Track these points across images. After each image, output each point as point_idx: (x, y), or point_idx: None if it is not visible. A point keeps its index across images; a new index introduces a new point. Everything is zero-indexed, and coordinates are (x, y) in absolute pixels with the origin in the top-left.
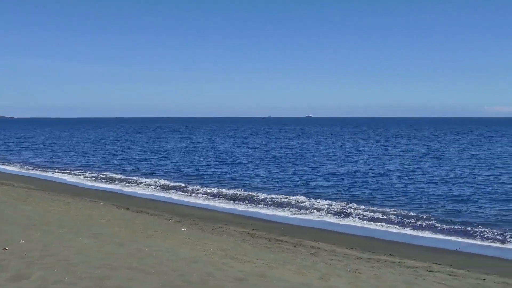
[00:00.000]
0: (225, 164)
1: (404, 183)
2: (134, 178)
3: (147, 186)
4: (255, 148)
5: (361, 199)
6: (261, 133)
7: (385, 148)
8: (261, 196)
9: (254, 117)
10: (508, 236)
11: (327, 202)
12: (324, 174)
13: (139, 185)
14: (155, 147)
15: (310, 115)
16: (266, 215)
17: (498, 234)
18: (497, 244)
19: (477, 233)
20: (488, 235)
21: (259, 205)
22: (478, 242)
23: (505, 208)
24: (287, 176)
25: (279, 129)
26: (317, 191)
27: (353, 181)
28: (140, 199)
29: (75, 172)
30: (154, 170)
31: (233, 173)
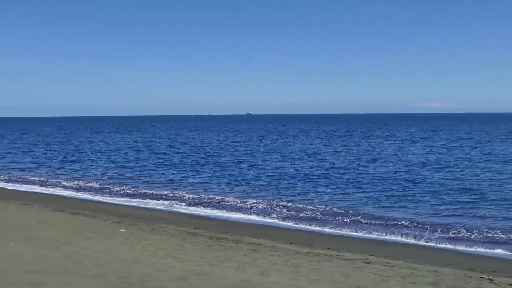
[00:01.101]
0: (164, 164)
1: (343, 179)
2: (69, 180)
3: (80, 187)
4: (195, 147)
5: (300, 196)
6: (202, 131)
7: (326, 145)
8: (203, 195)
9: (194, 115)
10: (439, 229)
11: (267, 199)
12: (265, 172)
13: (74, 187)
14: (92, 147)
15: (250, 112)
16: (208, 213)
17: (429, 227)
18: (428, 235)
19: (410, 226)
20: (418, 227)
21: (200, 204)
22: (411, 233)
23: (439, 203)
24: (229, 175)
25: (219, 127)
26: (258, 188)
27: (293, 178)
28: (76, 200)
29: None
30: (88, 172)
31: (173, 174)
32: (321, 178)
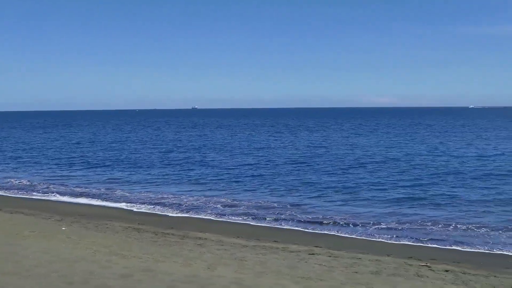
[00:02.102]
0: (110, 160)
1: (291, 174)
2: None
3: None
4: (140, 143)
5: (247, 191)
6: (147, 126)
7: (276, 139)
8: (149, 191)
9: (138, 109)
10: (381, 221)
11: (212, 195)
12: (212, 167)
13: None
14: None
15: (196, 106)
16: (153, 210)
17: (372, 219)
18: (371, 227)
19: (354, 219)
20: (362, 220)
21: (146, 201)
22: (354, 225)
23: (382, 196)
24: (174, 171)
25: (165, 122)
26: (205, 184)
27: (241, 173)
28: (13, 198)
29: None
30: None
31: (119, 171)
32: (268, 172)
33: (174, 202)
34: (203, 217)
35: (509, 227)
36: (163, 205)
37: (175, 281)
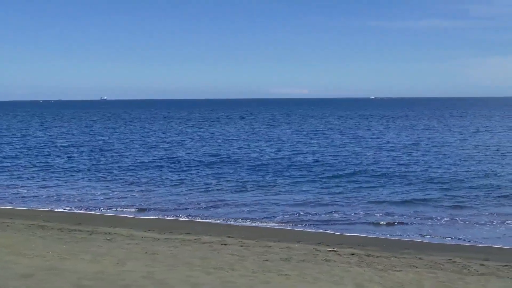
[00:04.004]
0: (14, 157)
1: (210, 166)
2: None
3: None
4: (49, 137)
5: (157, 185)
6: (54, 119)
7: (194, 132)
8: (56, 186)
9: (42, 100)
10: (292, 211)
11: (125, 188)
12: (122, 161)
13: None
14: None
15: (105, 97)
16: (59, 207)
17: (282, 209)
18: (281, 217)
19: (266, 209)
20: (274, 209)
21: (52, 198)
22: (266, 215)
23: (291, 187)
24: (84, 166)
25: (72, 114)
26: (118, 179)
27: (154, 167)
28: None
29: None
30: None
31: (24, 166)
32: (186, 167)
33: (82, 198)
34: (113, 213)
35: (409, 213)
36: (69, 201)
37: (82, 278)
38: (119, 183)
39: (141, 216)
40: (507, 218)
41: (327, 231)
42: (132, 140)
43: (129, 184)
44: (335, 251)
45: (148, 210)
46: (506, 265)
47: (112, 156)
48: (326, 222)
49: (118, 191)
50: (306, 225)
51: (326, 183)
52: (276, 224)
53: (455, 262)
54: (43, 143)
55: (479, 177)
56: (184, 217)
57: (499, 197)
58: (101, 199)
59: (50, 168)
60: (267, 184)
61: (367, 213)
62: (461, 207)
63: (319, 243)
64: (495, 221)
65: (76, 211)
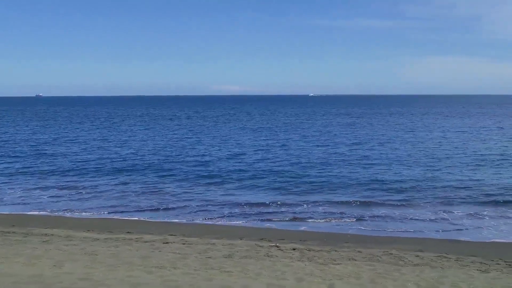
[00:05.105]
0: None
1: (155, 163)
2: None
3: None
4: None
5: (103, 184)
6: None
7: (137, 130)
8: None
9: None
10: (234, 207)
11: (61, 187)
12: (67, 161)
13: None
14: None
15: (41, 94)
16: None
17: (228, 206)
18: (226, 213)
19: (209, 205)
20: (217, 206)
21: None
22: (208, 212)
23: (234, 184)
24: (20, 167)
25: (5, 111)
26: (54, 178)
27: (90, 166)
28: None
29: None
30: None
31: None
32: (127, 165)
33: (16, 199)
34: (50, 214)
35: (350, 209)
36: (2, 203)
37: (17, 282)
38: (56, 183)
39: (80, 216)
40: (441, 211)
41: (270, 227)
42: (72, 140)
43: (66, 184)
44: (277, 247)
45: (88, 210)
46: (438, 256)
47: (48, 156)
48: (269, 218)
49: (55, 191)
50: (249, 221)
51: (268, 180)
52: (219, 221)
53: (392, 254)
54: None
55: (414, 173)
56: (125, 216)
57: (434, 191)
58: (36, 200)
59: None
60: (210, 182)
61: (310, 209)
62: (398, 203)
63: (262, 239)
64: (429, 213)
65: (9, 212)
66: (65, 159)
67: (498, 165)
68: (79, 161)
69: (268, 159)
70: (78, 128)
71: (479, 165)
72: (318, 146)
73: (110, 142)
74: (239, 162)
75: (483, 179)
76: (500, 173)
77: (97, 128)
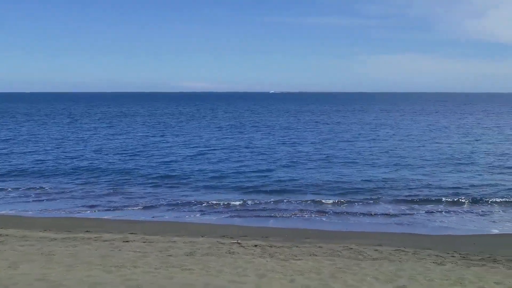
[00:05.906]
0: None
1: (118, 162)
2: None
3: None
4: None
5: (61, 182)
6: None
7: (100, 128)
8: None
9: None
10: (197, 205)
11: (21, 187)
12: (26, 159)
13: None
14: None
15: None
16: None
17: (188, 204)
18: (187, 210)
19: (171, 204)
20: (179, 204)
21: None
22: (171, 210)
23: (195, 183)
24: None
25: None
26: (16, 176)
27: (50, 164)
28: None
29: None
30: None
31: None
32: (84, 164)
33: None
34: (5, 213)
35: (311, 205)
36: None
37: None
38: (12, 183)
39: (37, 216)
40: (401, 207)
41: (232, 224)
42: (32, 138)
43: (23, 184)
44: (239, 243)
45: (46, 210)
46: (396, 250)
47: (5, 154)
48: (231, 216)
49: (11, 191)
50: (211, 219)
51: (232, 179)
52: (181, 219)
53: (351, 249)
54: None
55: (378, 171)
56: (84, 214)
57: (395, 188)
58: None
59: None
60: (173, 181)
61: (273, 206)
62: (360, 200)
63: (224, 236)
64: (390, 209)
65: None
66: (22, 158)
67: (456, 164)
68: (37, 160)
69: (232, 158)
70: (36, 127)
71: (439, 164)
72: (283, 143)
73: (70, 140)
74: (203, 161)
75: (442, 177)
76: (459, 172)
77: (58, 126)
